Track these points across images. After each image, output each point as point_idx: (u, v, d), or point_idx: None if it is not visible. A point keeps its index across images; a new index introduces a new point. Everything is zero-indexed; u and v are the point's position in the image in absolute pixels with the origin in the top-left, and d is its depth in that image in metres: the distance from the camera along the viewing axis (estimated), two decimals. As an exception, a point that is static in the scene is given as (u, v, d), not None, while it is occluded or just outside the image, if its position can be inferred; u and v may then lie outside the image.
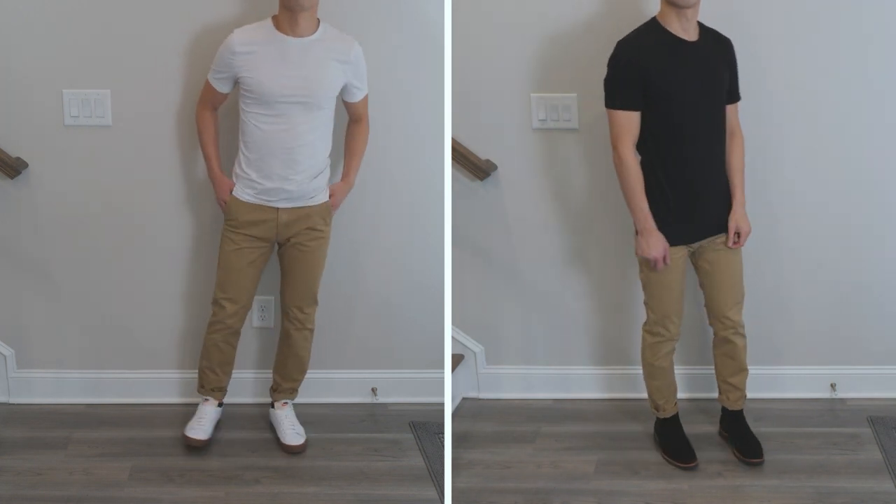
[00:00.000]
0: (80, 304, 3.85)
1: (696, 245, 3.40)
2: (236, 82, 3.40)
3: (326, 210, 3.54)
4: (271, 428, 3.76)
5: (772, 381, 3.86)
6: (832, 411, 3.85)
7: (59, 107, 3.65)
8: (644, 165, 3.31)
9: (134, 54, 3.61)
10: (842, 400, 3.90)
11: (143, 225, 3.78)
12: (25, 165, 3.69)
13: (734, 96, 3.39)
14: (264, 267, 3.60)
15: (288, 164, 3.41)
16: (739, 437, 3.59)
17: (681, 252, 3.39)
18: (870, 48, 3.58)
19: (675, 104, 3.24)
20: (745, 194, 3.42)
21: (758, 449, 3.54)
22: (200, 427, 3.65)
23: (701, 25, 3.30)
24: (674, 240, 3.35)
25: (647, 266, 3.39)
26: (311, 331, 3.69)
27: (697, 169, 3.31)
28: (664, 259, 3.33)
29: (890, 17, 3.55)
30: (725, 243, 3.40)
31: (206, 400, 3.72)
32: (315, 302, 3.66)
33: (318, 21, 3.40)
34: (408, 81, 3.69)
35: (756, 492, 3.39)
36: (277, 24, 3.36)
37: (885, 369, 3.88)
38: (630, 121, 3.25)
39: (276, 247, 3.59)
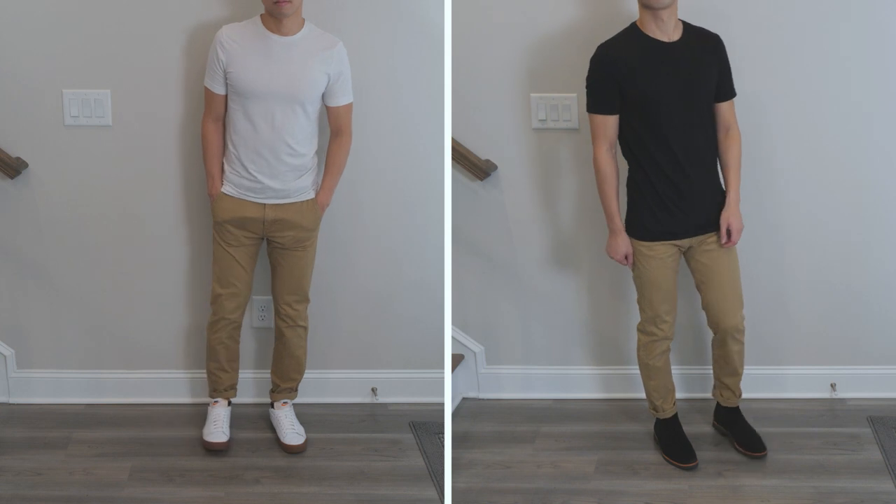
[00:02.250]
0: (80, 304, 3.86)
1: (684, 243, 3.40)
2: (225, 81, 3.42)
3: (314, 208, 3.54)
4: (271, 428, 3.76)
5: (772, 381, 3.86)
6: (832, 411, 3.84)
7: (59, 107, 3.65)
8: (630, 164, 3.37)
9: (134, 54, 3.62)
10: (842, 400, 3.90)
11: (143, 225, 3.78)
12: (25, 165, 3.69)
13: (727, 94, 3.38)
14: (257, 258, 3.61)
15: (273, 160, 3.43)
16: (739, 431, 3.60)
17: (669, 250, 3.40)
18: (867, 47, 3.58)
19: (652, 105, 3.27)
20: (744, 196, 3.42)
21: (759, 442, 3.55)
22: (218, 430, 3.64)
23: (686, 25, 3.32)
24: (659, 235, 3.38)
25: (639, 266, 3.42)
26: (305, 328, 3.70)
27: (681, 168, 3.31)
28: (626, 258, 3.43)
29: (886, 12, 3.55)
30: (717, 242, 3.39)
31: (216, 402, 3.72)
32: (306, 299, 3.66)
33: (304, 21, 3.42)
34: (408, 82, 3.69)
35: (756, 492, 3.39)
36: (264, 22, 3.40)
37: (885, 369, 3.88)
38: (605, 124, 3.32)
39: (266, 243, 3.60)
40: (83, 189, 3.74)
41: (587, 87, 3.33)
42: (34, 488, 3.40)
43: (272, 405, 3.78)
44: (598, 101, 3.31)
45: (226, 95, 3.44)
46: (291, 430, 3.68)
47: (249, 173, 3.45)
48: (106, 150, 3.70)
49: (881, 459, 3.53)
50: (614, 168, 3.38)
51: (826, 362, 3.91)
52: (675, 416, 3.63)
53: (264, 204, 3.48)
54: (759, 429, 3.62)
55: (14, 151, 3.69)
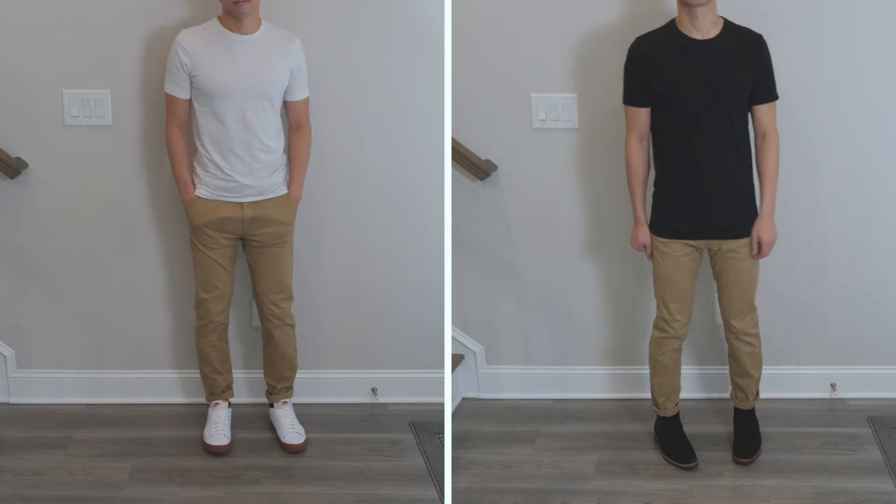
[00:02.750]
0: (80, 304, 3.85)
1: (700, 244, 3.38)
2: (191, 84, 3.42)
3: (289, 202, 3.56)
4: (271, 428, 3.76)
5: (772, 381, 3.85)
6: (832, 411, 3.84)
7: (59, 107, 3.65)
8: (654, 159, 3.40)
9: (134, 54, 3.61)
10: (842, 400, 3.90)
11: (143, 225, 3.78)
12: (25, 165, 3.69)
13: (764, 96, 3.30)
14: (237, 259, 3.62)
15: (248, 158, 3.44)
16: (737, 433, 3.60)
17: (684, 249, 3.39)
18: (869, 50, 3.58)
19: (673, 102, 3.27)
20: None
21: (748, 449, 3.55)
22: (220, 433, 3.64)
23: (727, 24, 3.28)
24: (672, 233, 3.37)
25: (655, 261, 3.44)
26: (292, 326, 3.69)
27: (701, 168, 3.29)
28: (645, 248, 3.46)
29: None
30: (746, 251, 3.34)
31: (216, 404, 3.72)
32: (290, 296, 3.66)
33: (261, 20, 3.45)
34: (408, 81, 3.69)
35: (756, 492, 3.39)
36: (223, 22, 3.42)
37: (885, 369, 3.88)
38: (635, 116, 3.35)
39: (241, 244, 3.60)
40: (83, 189, 3.74)
41: (623, 79, 3.36)
42: (34, 488, 3.40)
43: (272, 405, 3.78)
44: (629, 92, 3.35)
45: (188, 102, 3.45)
46: (291, 430, 3.68)
47: (225, 173, 3.45)
48: (106, 150, 3.70)
49: (881, 459, 3.53)
50: (642, 159, 3.40)
51: (826, 362, 3.91)
52: (677, 416, 3.62)
53: (242, 203, 3.49)
54: (759, 428, 3.62)
55: (14, 151, 3.69)
